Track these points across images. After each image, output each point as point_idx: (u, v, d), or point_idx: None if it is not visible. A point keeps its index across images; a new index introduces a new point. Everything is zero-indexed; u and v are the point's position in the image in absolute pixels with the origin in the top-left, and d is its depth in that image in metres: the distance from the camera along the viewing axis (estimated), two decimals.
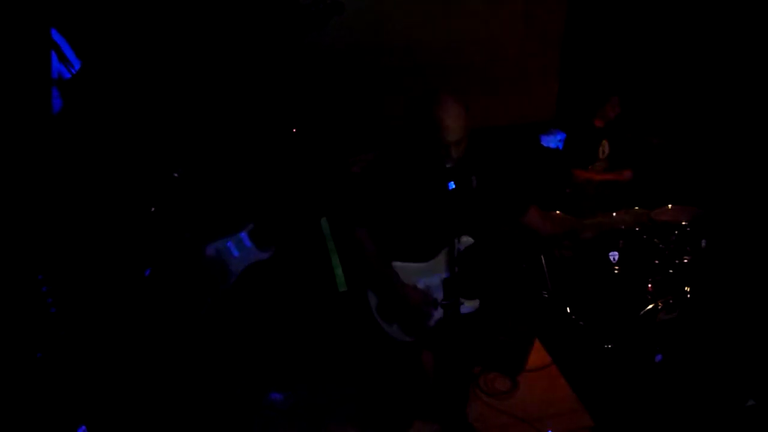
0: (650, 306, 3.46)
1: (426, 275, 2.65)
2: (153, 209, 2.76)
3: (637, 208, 3.90)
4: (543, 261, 3.82)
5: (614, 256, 3.63)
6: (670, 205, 3.84)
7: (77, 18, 2.78)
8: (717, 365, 3.36)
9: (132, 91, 3.22)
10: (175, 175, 2.84)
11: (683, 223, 3.60)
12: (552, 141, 5.40)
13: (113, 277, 2.68)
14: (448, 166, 2.39)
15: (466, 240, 2.55)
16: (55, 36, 2.47)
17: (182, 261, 2.93)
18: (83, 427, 2.47)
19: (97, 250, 2.60)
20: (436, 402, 3.17)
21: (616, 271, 3.66)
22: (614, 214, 3.81)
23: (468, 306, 2.64)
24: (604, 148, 4.40)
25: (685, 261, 3.62)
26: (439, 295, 2.66)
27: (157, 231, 2.84)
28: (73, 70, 2.52)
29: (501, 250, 3.48)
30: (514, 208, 2.69)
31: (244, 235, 2.99)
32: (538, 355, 3.69)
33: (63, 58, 2.48)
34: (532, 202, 2.70)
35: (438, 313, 2.67)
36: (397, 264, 2.62)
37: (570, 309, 3.79)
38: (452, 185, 2.37)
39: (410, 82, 5.25)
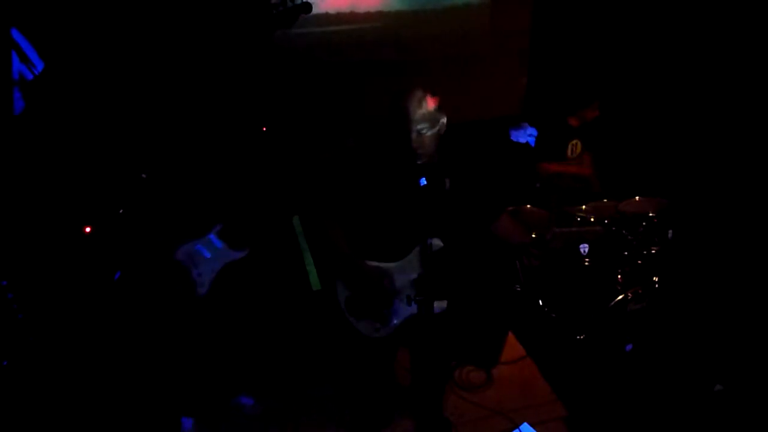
0: (620, 297, 3.52)
1: (396, 275, 2.64)
2: (121, 211, 2.72)
3: (605, 200, 3.97)
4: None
5: (584, 248, 3.68)
6: (637, 197, 3.90)
7: (39, 18, 2.72)
8: (685, 352, 3.44)
9: (97, 91, 3.16)
10: (143, 176, 2.80)
11: (650, 214, 3.66)
12: (522, 135, 5.43)
13: (81, 281, 2.63)
14: (419, 162, 2.41)
15: (436, 243, 2.53)
16: (16, 36, 2.42)
17: (154, 264, 2.89)
18: None
19: (63, 253, 2.55)
20: (412, 398, 3.19)
21: (586, 264, 3.71)
22: (584, 206, 3.89)
23: (436, 306, 2.62)
24: (575, 147, 4.41)
25: (653, 252, 3.69)
26: (407, 295, 2.64)
27: (127, 233, 2.79)
28: (35, 71, 2.47)
29: (473, 250, 3.49)
30: (486, 214, 2.71)
31: (212, 236, 2.96)
32: (512, 348, 3.73)
33: (24, 59, 2.43)
34: (504, 210, 2.72)
35: (403, 308, 2.65)
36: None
37: (542, 302, 3.84)
38: (423, 181, 2.39)
39: (378, 77, 5.26)
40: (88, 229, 2.60)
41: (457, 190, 2.53)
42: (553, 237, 2.70)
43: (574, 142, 4.35)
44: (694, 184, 4.42)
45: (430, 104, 2.41)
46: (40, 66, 2.48)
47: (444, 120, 2.46)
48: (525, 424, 2.75)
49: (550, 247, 2.73)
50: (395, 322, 2.67)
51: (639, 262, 3.70)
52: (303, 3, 3.32)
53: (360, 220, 2.61)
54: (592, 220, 3.69)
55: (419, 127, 2.39)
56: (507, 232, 2.73)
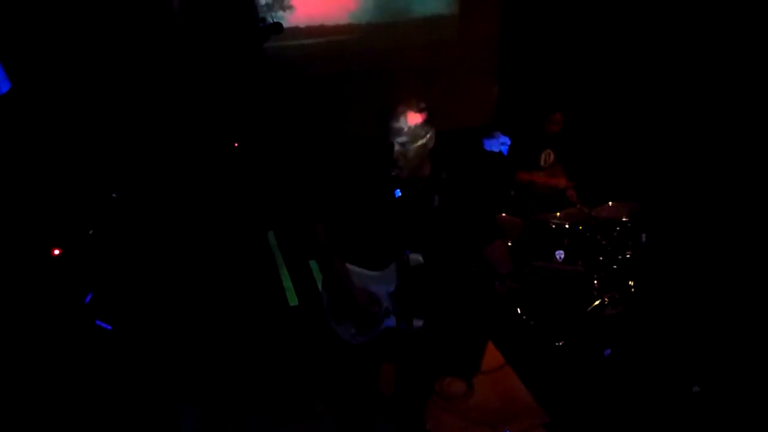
0: (597, 302, 3.54)
1: (376, 284, 2.62)
2: (91, 231, 2.67)
3: (579, 206, 4.00)
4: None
5: (560, 255, 3.70)
6: (610, 202, 3.94)
7: (5, 39, 2.68)
8: (663, 355, 3.47)
9: (66, 110, 3.12)
10: (114, 195, 2.76)
11: (624, 219, 3.70)
12: (494, 144, 5.47)
13: (50, 303, 2.58)
14: (393, 174, 2.39)
15: (415, 258, 2.51)
16: None
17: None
18: None
19: (32, 275, 2.50)
20: (394, 410, 3.16)
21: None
22: (558, 213, 3.92)
23: (414, 323, 2.60)
24: (548, 156, 4.42)
25: (628, 256, 3.72)
26: (386, 306, 2.62)
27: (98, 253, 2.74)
28: (1, 92, 2.43)
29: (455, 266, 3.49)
30: (479, 237, 2.64)
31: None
32: (491, 357, 3.73)
33: None
34: (499, 235, 2.66)
35: (384, 320, 2.63)
36: (350, 267, 2.59)
37: (520, 309, 3.85)
38: (398, 193, 2.37)
39: (349, 86, 5.26)
40: (57, 252, 2.55)
41: (447, 207, 2.48)
42: (532, 271, 2.63)
43: (547, 151, 4.38)
44: (666, 188, 4.49)
45: (411, 119, 2.35)
46: (6, 87, 2.44)
47: (429, 135, 2.37)
48: None
49: (527, 281, 2.65)
50: (371, 332, 2.64)
51: (614, 267, 3.73)
52: (274, 23, 3.33)
53: (343, 227, 2.59)
54: (566, 226, 3.72)
55: (400, 140, 2.35)
56: (498, 260, 2.65)
